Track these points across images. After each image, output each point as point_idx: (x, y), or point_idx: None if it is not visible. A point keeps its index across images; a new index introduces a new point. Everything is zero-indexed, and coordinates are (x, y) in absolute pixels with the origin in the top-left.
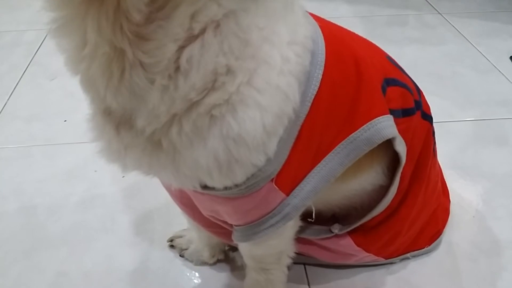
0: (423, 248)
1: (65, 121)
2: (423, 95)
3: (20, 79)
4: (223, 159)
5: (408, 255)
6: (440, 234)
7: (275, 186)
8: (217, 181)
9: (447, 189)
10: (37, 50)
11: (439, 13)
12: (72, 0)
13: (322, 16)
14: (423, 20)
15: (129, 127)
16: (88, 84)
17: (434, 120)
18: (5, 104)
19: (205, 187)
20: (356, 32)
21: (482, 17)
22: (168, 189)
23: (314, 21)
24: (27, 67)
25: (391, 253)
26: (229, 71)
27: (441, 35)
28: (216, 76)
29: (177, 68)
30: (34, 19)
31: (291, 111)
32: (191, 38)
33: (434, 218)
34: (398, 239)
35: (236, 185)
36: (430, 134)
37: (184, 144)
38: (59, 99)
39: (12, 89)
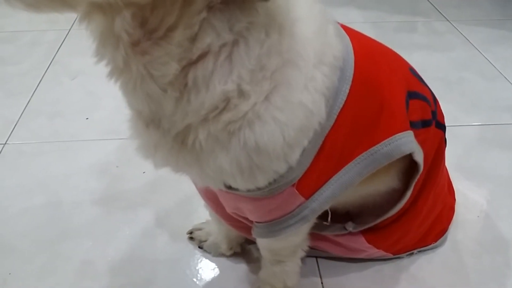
0: (430, 245)
1: (87, 118)
2: (439, 104)
3: (42, 77)
4: (245, 166)
5: (414, 250)
6: (445, 231)
7: (296, 191)
8: (240, 184)
9: (453, 189)
10: (58, 50)
11: (447, 20)
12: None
13: None
14: (431, 27)
15: (156, 127)
16: (120, 88)
17: None
18: (29, 101)
19: (229, 187)
20: None
21: (489, 24)
22: (195, 183)
23: (346, 37)
24: (49, 66)
25: (399, 250)
26: (241, 94)
27: (449, 42)
28: (228, 98)
29: (186, 85)
30: (54, 19)
31: (316, 125)
32: (192, 61)
33: (440, 217)
34: (406, 238)
35: (259, 188)
36: (442, 142)
37: (205, 150)
38: (81, 98)
39: (35, 87)
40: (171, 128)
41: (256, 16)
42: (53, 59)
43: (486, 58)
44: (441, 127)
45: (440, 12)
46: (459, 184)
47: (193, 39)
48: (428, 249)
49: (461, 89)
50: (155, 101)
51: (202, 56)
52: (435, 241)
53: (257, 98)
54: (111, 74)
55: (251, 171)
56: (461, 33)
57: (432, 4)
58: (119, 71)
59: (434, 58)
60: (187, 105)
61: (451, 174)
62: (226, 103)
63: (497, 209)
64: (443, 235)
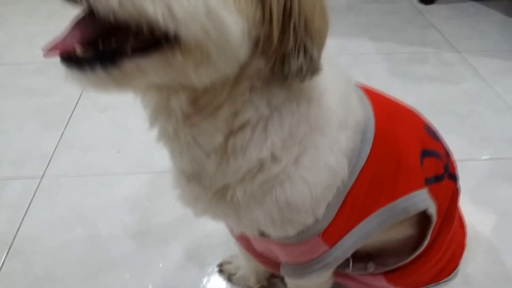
0: (443, 280)
1: (118, 152)
2: (450, 157)
3: (73, 110)
4: (277, 219)
5: (429, 285)
6: (457, 265)
7: (321, 240)
8: (272, 233)
9: (463, 223)
10: None
11: (457, 51)
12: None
13: (347, 53)
14: (442, 58)
15: (197, 182)
16: (167, 150)
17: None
18: (62, 134)
19: (262, 233)
20: (379, 69)
21: (498, 56)
22: (230, 228)
23: (367, 102)
24: (79, 99)
25: (416, 286)
26: (274, 158)
27: (459, 74)
28: (262, 163)
29: (226, 150)
30: None
31: (339, 183)
32: (233, 132)
33: (454, 256)
34: (423, 276)
35: (288, 237)
36: (455, 192)
37: (242, 204)
38: (111, 131)
39: (67, 121)
40: (211, 185)
41: (291, 92)
42: (82, 91)
43: (496, 90)
44: (453, 178)
45: (450, 43)
46: (470, 217)
47: (236, 114)
48: (441, 283)
49: (472, 123)
50: (199, 164)
51: (242, 127)
52: (448, 276)
53: (287, 161)
54: (159, 139)
55: (283, 223)
56: (471, 65)
57: (442, 35)
58: (167, 138)
59: (445, 91)
60: (226, 168)
61: (462, 207)
62: (260, 166)
63: (507, 243)
64: (455, 269)
